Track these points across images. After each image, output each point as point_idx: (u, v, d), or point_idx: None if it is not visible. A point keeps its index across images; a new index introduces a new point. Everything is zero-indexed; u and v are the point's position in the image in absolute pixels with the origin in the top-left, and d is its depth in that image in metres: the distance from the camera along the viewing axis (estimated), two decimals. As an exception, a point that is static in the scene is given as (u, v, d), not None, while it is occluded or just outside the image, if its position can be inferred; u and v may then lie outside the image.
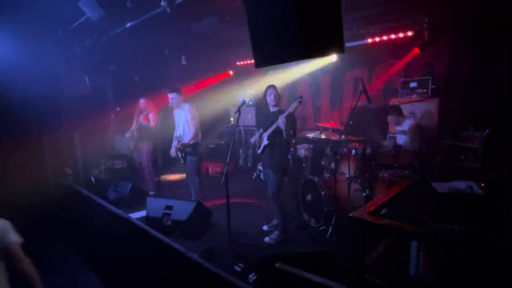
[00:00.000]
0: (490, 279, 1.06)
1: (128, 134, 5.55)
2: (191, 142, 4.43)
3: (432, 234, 1.14)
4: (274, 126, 3.53)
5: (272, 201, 3.69)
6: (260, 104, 6.17)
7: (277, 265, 1.54)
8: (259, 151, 3.76)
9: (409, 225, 1.26)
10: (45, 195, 4.79)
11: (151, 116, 5.34)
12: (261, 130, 3.81)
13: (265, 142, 3.66)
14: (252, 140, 3.97)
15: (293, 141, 5.38)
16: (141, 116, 5.36)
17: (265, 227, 4.02)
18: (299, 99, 3.42)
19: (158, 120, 5.21)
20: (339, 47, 1.71)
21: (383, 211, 2.06)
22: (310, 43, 1.60)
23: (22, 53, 4.71)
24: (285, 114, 3.44)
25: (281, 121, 3.43)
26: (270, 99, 3.68)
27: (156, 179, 5.33)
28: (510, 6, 3.49)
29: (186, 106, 4.51)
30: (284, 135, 3.49)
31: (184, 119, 4.47)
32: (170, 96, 4.46)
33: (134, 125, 5.53)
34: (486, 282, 1.05)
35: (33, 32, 4.70)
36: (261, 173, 4.11)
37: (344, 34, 5.14)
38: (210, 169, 6.90)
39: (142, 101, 5.47)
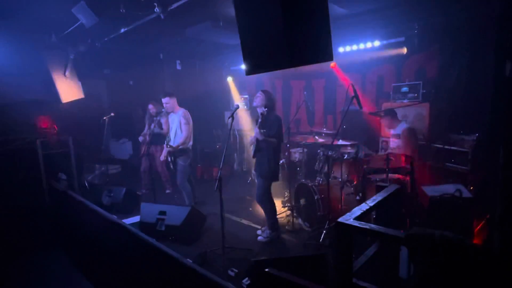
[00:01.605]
0: (472, 283, 1.09)
1: (140, 138, 5.54)
2: (180, 147, 4.43)
3: (413, 238, 1.17)
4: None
5: (259, 204, 3.79)
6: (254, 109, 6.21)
7: (267, 270, 1.56)
8: (252, 154, 3.80)
9: (394, 229, 1.29)
10: (39, 200, 4.77)
11: (163, 120, 5.34)
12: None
13: (253, 146, 3.71)
14: (250, 142, 4.00)
15: (287, 145, 5.42)
16: (152, 124, 5.33)
17: (259, 232, 4.04)
18: (259, 119, 3.59)
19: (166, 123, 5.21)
20: (327, 55, 1.75)
21: (374, 215, 2.10)
22: (298, 51, 1.64)
23: (15, 58, 4.71)
24: (255, 130, 3.54)
25: (256, 132, 3.53)
26: (255, 102, 3.73)
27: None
28: (499, 12, 3.56)
29: (181, 111, 4.54)
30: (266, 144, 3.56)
31: (177, 123, 4.49)
32: (164, 100, 4.49)
33: (146, 129, 5.51)
34: (468, 286, 1.08)
35: (27, 37, 4.71)
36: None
37: (335, 40, 5.20)
38: (205, 173, 6.91)
39: (151, 106, 5.46)
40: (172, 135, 4.57)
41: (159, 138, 5.23)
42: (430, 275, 1.09)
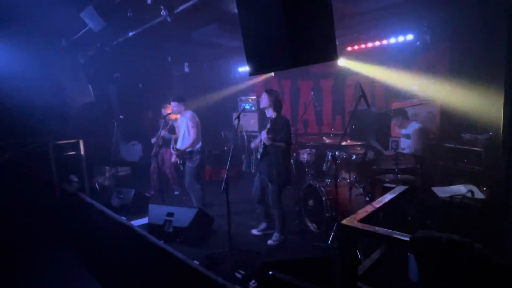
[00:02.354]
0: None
1: (153, 140, 5.60)
2: (187, 150, 4.45)
3: (419, 242, 1.13)
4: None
5: (273, 208, 3.73)
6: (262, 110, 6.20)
7: (271, 273, 1.54)
8: (258, 156, 3.75)
9: (401, 231, 1.26)
10: (51, 202, 4.86)
11: (176, 125, 5.40)
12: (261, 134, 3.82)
13: (261, 150, 3.65)
14: (253, 145, 3.95)
15: (295, 146, 5.38)
16: (163, 131, 5.39)
17: (254, 231, 4.00)
18: (268, 124, 3.49)
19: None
20: (331, 55, 1.73)
21: (381, 216, 2.06)
22: (301, 51, 1.62)
23: (27, 63, 4.81)
24: (263, 135, 3.45)
25: (263, 137, 3.46)
26: (262, 104, 3.66)
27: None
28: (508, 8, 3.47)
29: (189, 114, 4.57)
30: (274, 148, 3.49)
31: (185, 126, 4.51)
32: (172, 104, 4.54)
33: (160, 132, 5.55)
34: None
35: (37, 42, 4.81)
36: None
37: (344, 39, 5.13)
38: (213, 175, 6.93)
39: (164, 111, 5.53)
40: (180, 137, 4.61)
41: (170, 141, 5.29)
42: (436, 279, 1.05)
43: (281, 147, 3.50)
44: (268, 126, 3.47)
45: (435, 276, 1.06)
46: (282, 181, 3.62)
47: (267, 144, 3.47)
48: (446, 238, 1.09)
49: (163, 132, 5.30)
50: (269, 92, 3.65)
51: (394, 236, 1.22)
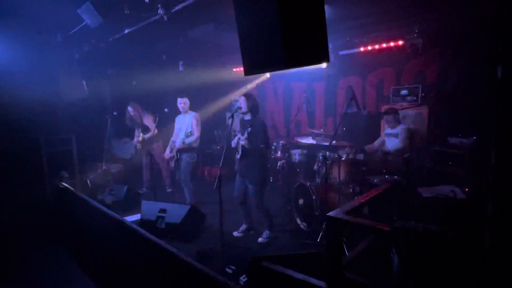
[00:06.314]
0: (452, 274, 1.13)
1: (138, 145, 5.65)
2: (193, 145, 4.62)
3: (398, 231, 1.22)
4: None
5: (257, 209, 3.83)
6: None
7: (263, 263, 1.62)
8: (238, 156, 3.82)
9: (382, 224, 1.34)
10: (41, 197, 4.84)
11: (147, 122, 5.46)
12: (239, 134, 3.88)
13: (240, 151, 3.73)
14: (233, 144, 3.90)
15: (287, 146, 5.48)
16: (139, 137, 5.44)
17: (235, 233, 4.05)
18: (248, 128, 3.55)
19: (155, 122, 5.33)
20: (323, 57, 1.81)
21: (365, 211, 2.15)
22: (295, 53, 1.70)
23: (21, 57, 4.79)
24: (242, 139, 3.56)
25: (242, 142, 3.57)
26: (241, 107, 3.73)
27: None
28: (493, 19, 3.61)
29: (193, 113, 4.71)
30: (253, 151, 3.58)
31: (189, 124, 4.63)
32: (183, 100, 4.67)
33: (140, 135, 5.57)
34: (448, 278, 1.13)
35: (32, 37, 4.79)
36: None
37: (336, 42, 5.23)
38: (205, 173, 6.97)
39: (130, 109, 5.59)
40: (182, 135, 4.69)
41: (152, 139, 5.40)
42: (413, 266, 1.14)
43: (261, 149, 3.60)
44: (249, 130, 3.53)
45: (412, 263, 1.15)
46: (261, 182, 3.72)
47: (247, 147, 3.55)
48: (423, 227, 1.18)
49: (142, 135, 5.41)
50: (247, 96, 3.73)
51: (376, 226, 1.31)
